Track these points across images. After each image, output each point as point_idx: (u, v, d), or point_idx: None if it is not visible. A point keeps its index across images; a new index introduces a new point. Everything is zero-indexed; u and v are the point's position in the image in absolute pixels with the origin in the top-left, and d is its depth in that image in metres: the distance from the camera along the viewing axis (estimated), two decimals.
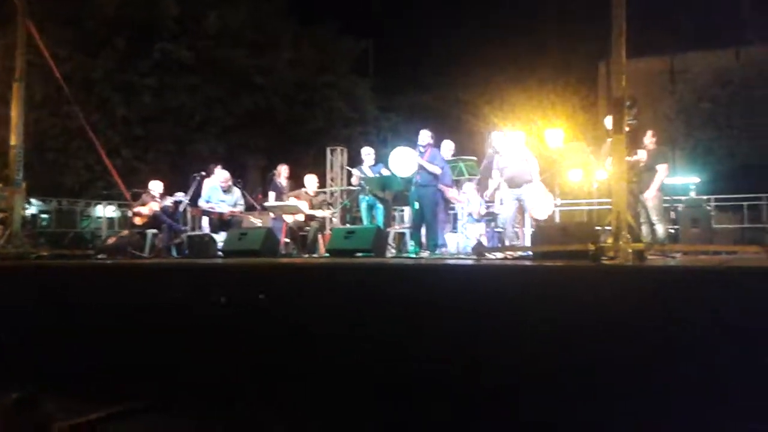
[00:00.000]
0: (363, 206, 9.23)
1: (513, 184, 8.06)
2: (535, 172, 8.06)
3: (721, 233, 13.29)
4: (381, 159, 9.54)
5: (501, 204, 8.56)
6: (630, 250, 4.19)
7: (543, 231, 6.36)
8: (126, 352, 5.04)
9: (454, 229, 9.81)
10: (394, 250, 9.16)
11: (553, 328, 3.60)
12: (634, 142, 6.86)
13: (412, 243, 8.90)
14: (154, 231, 9.54)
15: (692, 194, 13.01)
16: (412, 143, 8.71)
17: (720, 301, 3.19)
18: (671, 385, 3.28)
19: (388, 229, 9.28)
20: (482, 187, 9.12)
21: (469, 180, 9.18)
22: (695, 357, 3.21)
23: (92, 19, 18.30)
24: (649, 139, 7.82)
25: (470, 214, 9.37)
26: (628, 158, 5.81)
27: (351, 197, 12.00)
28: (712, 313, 3.20)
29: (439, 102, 25.61)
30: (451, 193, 9.04)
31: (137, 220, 9.60)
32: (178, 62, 19.11)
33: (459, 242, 9.50)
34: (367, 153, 9.47)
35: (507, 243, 8.22)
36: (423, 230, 8.58)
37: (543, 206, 8.21)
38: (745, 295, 3.14)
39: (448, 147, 9.08)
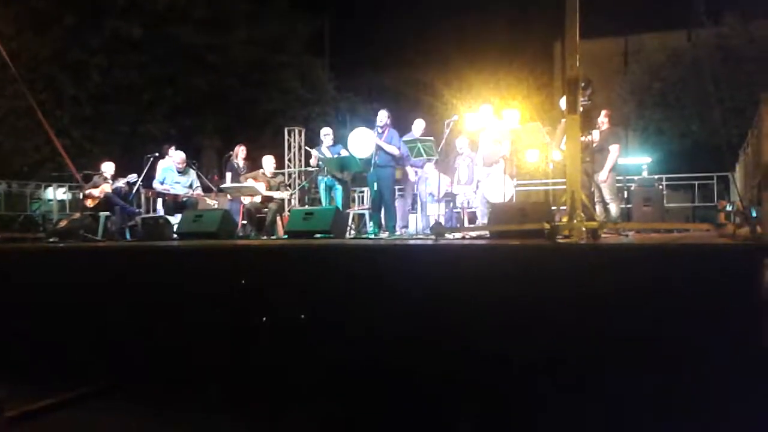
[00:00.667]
0: (322, 187, 9.20)
1: (486, 162, 8.40)
2: (506, 151, 8.32)
3: (672, 212, 13.65)
4: (339, 140, 9.50)
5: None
6: (584, 229, 4.26)
7: (500, 210, 6.42)
8: (81, 336, 4.95)
9: (413, 209, 9.85)
10: (353, 232, 9.16)
11: (510, 307, 3.65)
12: (589, 122, 6.95)
13: (371, 224, 8.90)
14: (107, 213, 9.33)
15: (644, 173, 13.29)
16: (371, 124, 8.70)
17: (672, 276, 3.26)
18: (626, 361, 3.35)
19: (347, 211, 9.28)
20: (443, 167, 9.21)
21: (429, 160, 9.20)
22: (646, 331, 3.28)
23: None
24: (602, 119, 7.94)
25: (431, 194, 9.41)
26: (582, 138, 5.90)
27: (309, 178, 11.93)
28: (665, 289, 3.28)
29: (397, 83, 25.55)
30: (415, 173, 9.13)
31: (89, 203, 9.37)
32: (128, 40, 18.62)
33: (419, 222, 9.56)
34: (326, 133, 9.42)
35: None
36: (382, 211, 8.60)
37: (499, 191, 8.36)
38: (694, 271, 3.22)
39: (419, 126, 9.05)
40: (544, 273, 3.68)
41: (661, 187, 12.41)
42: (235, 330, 4.51)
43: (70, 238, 8.49)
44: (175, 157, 9.54)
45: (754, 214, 4.79)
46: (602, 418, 3.35)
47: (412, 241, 5.81)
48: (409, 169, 9.07)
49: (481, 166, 8.60)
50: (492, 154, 8.27)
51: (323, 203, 9.19)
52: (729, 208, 10.61)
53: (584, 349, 3.43)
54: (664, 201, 11.74)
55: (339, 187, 9.02)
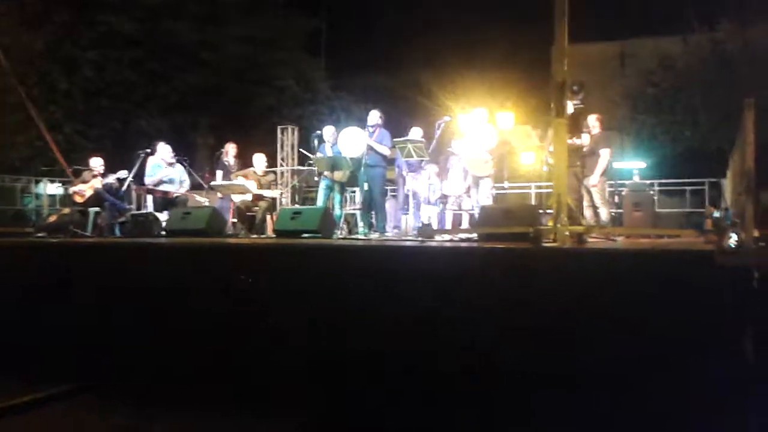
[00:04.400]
0: (322, 186, 9.02)
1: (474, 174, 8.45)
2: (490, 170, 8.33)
3: (665, 217, 13.65)
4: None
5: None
6: (567, 233, 4.25)
7: (488, 213, 6.41)
8: (63, 333, 4.92)
9: (405, 210, 9.83)
10: (344, 232, 9.11)
11: (494, 310, 3.64)
12: (574, 126, 6.94)
13: (362, 224, 8.87)
14: (97, 209, 9.28)
15: (636, 178, 13.29)
16: (365, 123, 8.65)
17: (651, 282, 3.26)
18: (607, 364, 3.35)
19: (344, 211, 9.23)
20: (439, 170, 9.24)
21: (420, 161, 9.17)
22: (626, 332, 3.29)
23: None
24: (594, 122, 7.93)
25: (426, 198, 9.42)
26: (570, 142, 5.90)
27: (301, 177, 11.89)
28: (644, 293, 3.28)
29: (392, 83, 25.51)
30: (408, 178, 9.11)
31: (78, 198, 9.31)
32: (121, 35, 18.56)
33: (409, 224, 9.55)
34: (330, 133, 9.24)
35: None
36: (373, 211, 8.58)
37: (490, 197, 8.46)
38: (674, 276, 3.22)
39: (416, 134, 8.95)
40: (526, 276, 3.68)
41: (653, 192, 12.42)
42: (220, 327, 4.50)
43: (58, 234, 8.45)
44: (162, 151, 9.47)
45: (728, 222, 4.80)
46: (589, 416, 3.34)
47: (396, 243, 5.79)
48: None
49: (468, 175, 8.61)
50: (479, 170, 8.28)
51: (320, 203, 9.00)
52: (716, 214, 10.61)
53: (569, 352, 3.43)
54: (656, 206, 11.74)
55: (337, 190, 8.92)
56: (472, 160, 8.34)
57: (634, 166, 15.58)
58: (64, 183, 15.77)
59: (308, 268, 4.38)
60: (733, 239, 4.07)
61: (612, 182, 9.35)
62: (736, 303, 3.11)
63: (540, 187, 14.98)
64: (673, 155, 18.78)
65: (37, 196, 16.30)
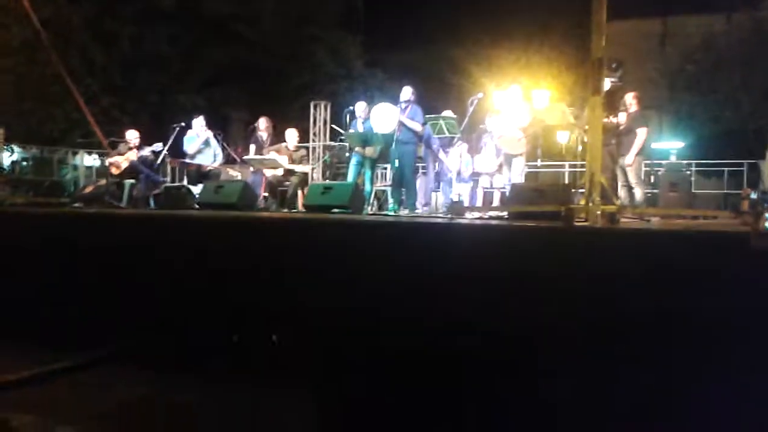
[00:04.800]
0: (352, 162, 9.00)
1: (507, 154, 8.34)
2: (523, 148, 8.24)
3: (701, 198, 13.41)
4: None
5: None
6: (599, 213, 4.19)
7: (519, 191, 6.35)
8: (93, 302, 5.03)
9: (436, 187, 9.78)
10: (374, 208, 9.11)
11: (524, 288, 3.61)
12: (616, 104, 6.82)
13: (392, 201, 8.87)
14: (132, 181, 9.44)
15: (673, 158, 13.05)
16: (398, 101, 8.61)
17: (684, 262, 3.20)
18: (636, 347, 3.32)
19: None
20: (471, 147, 9.15)
21: (460, 141, 9.10)
22: (657, 314, 3.24)
23: None
24: (631, 101, 7.78)
25: (459, 174, 9.34)
26: (605, 120, 5.79)
27: (332, 152, 11.91)
28: (676, 275, 3.22)
29: (427, 61, 25.27)
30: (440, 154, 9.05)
31: (114, 170, 9.48)
32: (159, 10, 18.69)
33: (440, 201, 9.51)
34: (362, 109, 9.21)
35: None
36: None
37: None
38: (705, 258, 3.16)
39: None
40: (557, 255, 3.64)
41: (690, 173, 12.19)
42: (242, 303, 4.56)
43: (94, 204, 8.61)
44: (196, 124, 9.56)
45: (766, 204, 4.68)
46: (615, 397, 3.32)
47: (426, 220, 5.77)
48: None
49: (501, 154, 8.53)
50: (512, 148, 8.19)
51: (350, 179, 8.98)
52: (753, 195, 10.38)
53: (592, 333, 3.40)
54: (692, 187, 11.54)
55: (368, 166, 8.88)
56: (505, 137, 8.26)
57: (672, 146, 15.30)
58: (100, 155, 16.05)
59: (340, 243, 4.39)
60: None
61: (648, 162, 9.18)
62: None
63: (574, 166, 14.81)
64: (711, 135, 18.35)
65: (74, 167, 16.61)
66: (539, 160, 9.94)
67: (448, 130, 8.17)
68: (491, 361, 3.64)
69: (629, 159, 7.61)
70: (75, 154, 16.61)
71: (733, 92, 17.51)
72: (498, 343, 3.65)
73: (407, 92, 8.49)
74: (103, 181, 10.23)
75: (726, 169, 14.70)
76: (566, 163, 14.59)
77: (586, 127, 6.40)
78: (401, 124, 8.28)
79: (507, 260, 3.74)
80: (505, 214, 6.26)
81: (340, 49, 23.27)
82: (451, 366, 3.74)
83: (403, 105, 8.43)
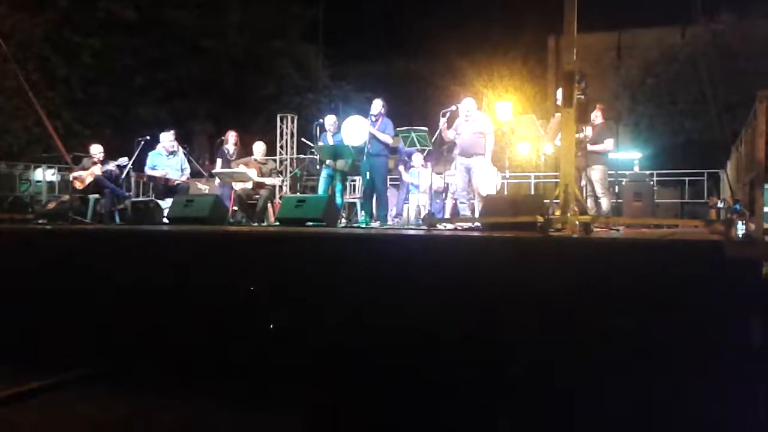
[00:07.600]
0: (323, 175, 8.98)
1: (464, 153, 8.11)
2: (489, 147, 8.10)
3: (663, 207, 13.73)
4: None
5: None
6: (577, 223, 4.26)
7: (492, 203, 6.42)
8: (64, 321, 4.91)
9: (407, 200, 9.82)
10: (344, 221, 9.10)
11: (501, 298, 3.65)
12: (583, 117, 6.94)
13: (363, 213, 8.87)
14: (97, 196, 9.25)
15: (636, 169, 13.34)
16: (364, 112, 8.63)
17: (661, 271, 3.28)
18: (617, 352, 3.37)
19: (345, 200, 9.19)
20: (436, 157, 9.14)
21: (420, 150, 9.15)
22: (636, 323, 3.31)
23: None
24: (595, 113, 7.96)
25: (416, 186, 9.37)
26: (576, 136, 5.90)
27: (302, 165, 11.88)
28: (654, 283, 3.30)
29: (390, 72, 25.48)
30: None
31: (77, 185, 9.27)
32: (121, 22, 18.45)
33: (411, 213, 9.55)
34: (332, 122, 9.20)
35: (460, 213, 8.30)
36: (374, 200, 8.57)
37: (489, 182, 8.29)
38: (683, 266, 3.24)
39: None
40: (536, 265, 3.68)
41: (651, 182, 12.47)
42: (220, 315, 4.50)
43: (58, 220, 8.43)
44: (163, 138, 9.43)
45: (737, 208, 4.83)
46: (591, 406, 3.36)
47: (401, 232, 5.79)
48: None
49: (458, 156, 8.38)
50: (473, 145, 8.05)
51: (321, 191, 8.95)
52: (720, 204, 10.66)
53: (574, 342, 3.44)
54: (655, 196, 11.80)
55: (339, 179, 8.86)
56: (466, 141, 8.16)
57: (631, 156, 15.64)
58: (61, 170, 15.71)
59: (317, 255, 4.38)
60: (740, 230, 4.10)
61: (612, 172, 9.36)
62: (745, 294, 3.13)
63: (538, 177, 15.04)
64: (671, 146, 18.80)
65: (36, 182, 16.24)
66: (506, 171, 10.04)
67: (419, 142, 8.21)
68: (481, 373, 3.67)
69: (596, 174, 7.75)
70: (36, 168, 16.24)
71: (692, 103, 17.96)
72: (478, 351, 3.68)
73: (378, 105, 8.52)
74: (66, 197, 10.03)
75: (686, 178, 15.08)
76: (531, 174, 14.82)
77: (557, 141, 6.51)
78: (372, 136, 8.30)
79: (487, 270, 3.77)
80: (478, 225, 6.31)
81: (304, 61, 23.26)
82: (433, 379, 3.76)
83: (374, 117, 8.46)
